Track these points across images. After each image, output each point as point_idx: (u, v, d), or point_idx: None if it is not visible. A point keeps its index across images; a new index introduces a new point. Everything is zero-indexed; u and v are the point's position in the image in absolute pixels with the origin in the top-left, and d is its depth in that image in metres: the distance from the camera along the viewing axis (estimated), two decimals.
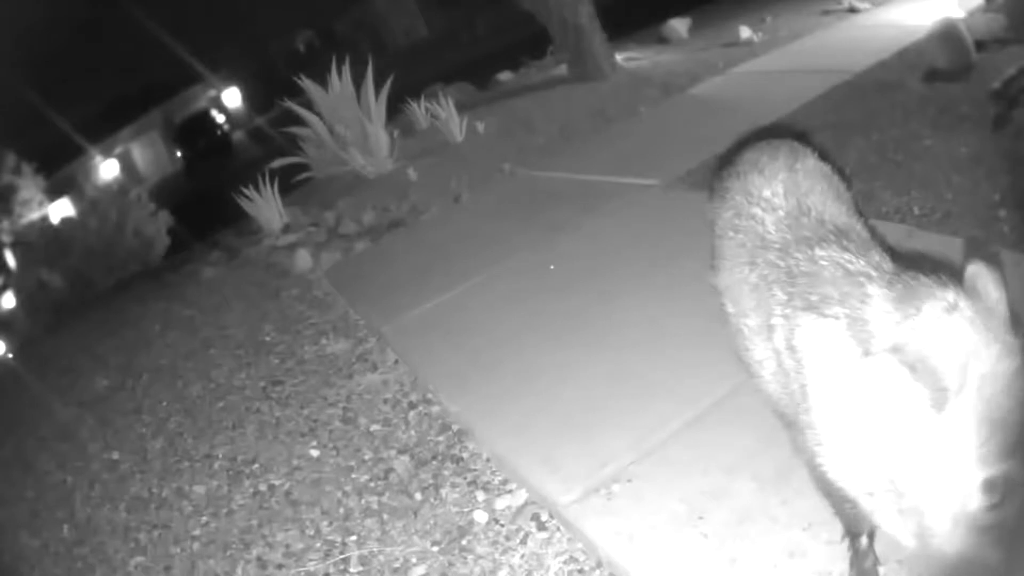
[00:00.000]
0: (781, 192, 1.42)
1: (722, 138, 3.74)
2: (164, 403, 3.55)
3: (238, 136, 25.17)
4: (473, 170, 5.05)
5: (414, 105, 7.06)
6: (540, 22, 7.03)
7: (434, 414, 2.59)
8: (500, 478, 2.16)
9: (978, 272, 0.97)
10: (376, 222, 4.80)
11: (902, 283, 1.03)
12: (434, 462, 2.34)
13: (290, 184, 6.33)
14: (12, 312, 7.94)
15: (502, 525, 1.98)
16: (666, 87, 5.57)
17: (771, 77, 5.05)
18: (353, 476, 2.43)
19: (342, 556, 2.10)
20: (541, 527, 1.92)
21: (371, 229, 4.74)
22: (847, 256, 1.16)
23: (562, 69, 7.24)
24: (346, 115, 6.20)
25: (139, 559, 2.51)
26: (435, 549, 1.99)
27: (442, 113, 6.20)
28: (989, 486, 0.91)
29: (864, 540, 1.36)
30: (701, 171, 3.63)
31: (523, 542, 1.89)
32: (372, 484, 2.36)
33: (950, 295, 0.95)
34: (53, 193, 18.46)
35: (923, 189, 2.69)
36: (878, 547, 1.39)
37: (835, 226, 1.30)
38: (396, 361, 3.04)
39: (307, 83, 6.36)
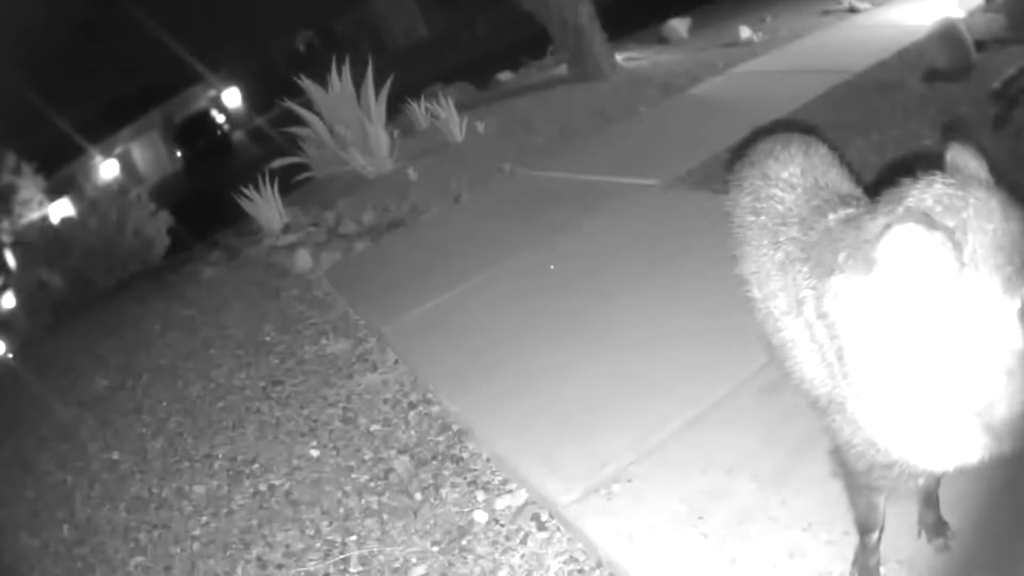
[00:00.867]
0: (798, 172, 1.45)
1: (722, 138, 3.76)
2: (164, 403, 3.55)
3: (238, 136, 25.16)
4: (473, 170, 5.04)
5: (414, 105, 7.05)
6: (540, 22, 7.03)
7: (434, 414, 2.59)
8: (500, 478, 2.16)
9: (956, 151, 1.08)
10: (376, 222, 4.80)
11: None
12: (434, 462, 2.34)
13: (290, 184, 6.32)
14: (12, 312, 7.93)
15: (502, 525, 1.98)
16: (666, 87, 5.57)
17: (771, 77, 5.05)
18: (353, 476, 2.43)
19: (342, 556, 2.10)
20: (541, 527, 1.92)
21: (371, 229, 4.74)
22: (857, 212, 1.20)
23: (562, 69, 7.24)
24: (346, 115, 6.20)
25: (139, 559, 2.51)
26: (435, 549, 1.99)
27: (442, 113, 6.20)
28: None
29: (874, 536, 1.36)
30: (701, 171, 3.63)
31: (523, 542, 1.89)
32: (372, 484, 2.36)
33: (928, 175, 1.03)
34: (53, 193, 18.44)
35: None
36: (880, 547, 1.39)
37: (849, 195, 1.36)
38: (396, 361, 3.04)
39: (307, 83, 6.36)
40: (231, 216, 6.21)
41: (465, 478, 2.22)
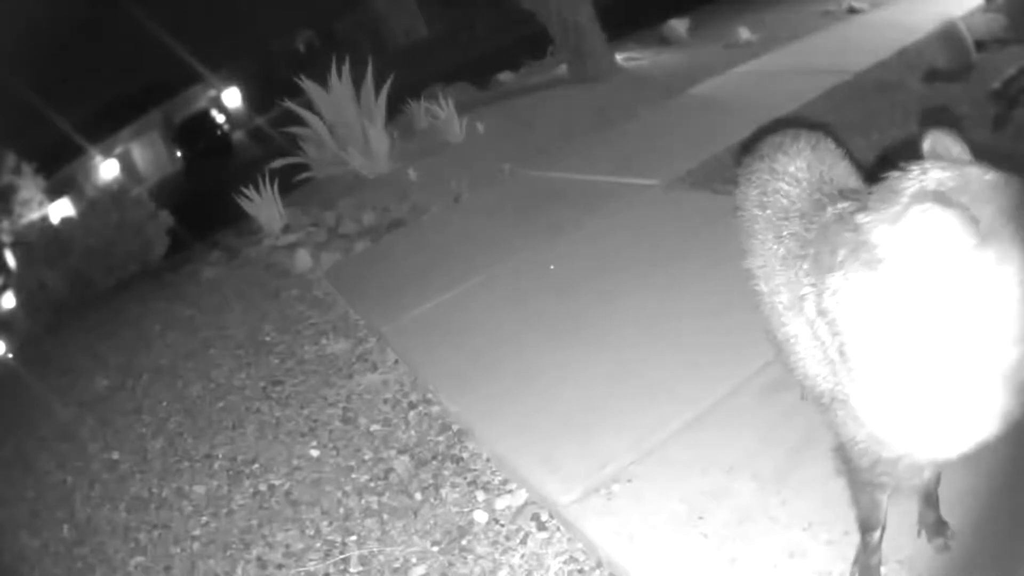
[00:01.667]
0: (805, 167, 1.45)
1: (722, 138, 3.77)
2: (164, 403, 3.55)
3: (238, 136, 25.14)
4: (473, 170, 5.04)
5: (414, 105, 7.05)
6: (540, 22, 7.03)
7: (434, 414, 2.59)
8: (500, 478, 2.16)
9: (935, 137, 1.07)
10: (376, 222, 4.80)
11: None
12: (434, 462, 2.34)
13: (290, 184, 6.32)
14: (12, 312, 7.93)
15: (502, 525, 1.98)
16: (666, 87, 5.57)
17: (771, 77, 5.05)
18: (353, 476, 2.43)
19: (342, 556, 2.10)
20: (541, 527, 1.92)
21: (371, 229, 4.73)
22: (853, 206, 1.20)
23: (562, 69, 7.24)
24: (346, 115, 6.20)
25: (139, 559, 2.51)
26: (435, 549, 1.99)
27: (442, 113, 6.20)
28: None
29: (876, 535, 1.36)
30: (701, 171, 3.63)
31: (523, 542, 1.89)
32: (372, 484, 2.36)
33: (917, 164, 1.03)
34: (53, 193, 18.44)
35: None
36: (881, 546, 1.39)
37: (851, 189, 1.36)
38: (396, 361, 3.04)
39: (307, 83, 6.35)
40: (231, 216, 6.20)
41: (465, 478, 2.22)
